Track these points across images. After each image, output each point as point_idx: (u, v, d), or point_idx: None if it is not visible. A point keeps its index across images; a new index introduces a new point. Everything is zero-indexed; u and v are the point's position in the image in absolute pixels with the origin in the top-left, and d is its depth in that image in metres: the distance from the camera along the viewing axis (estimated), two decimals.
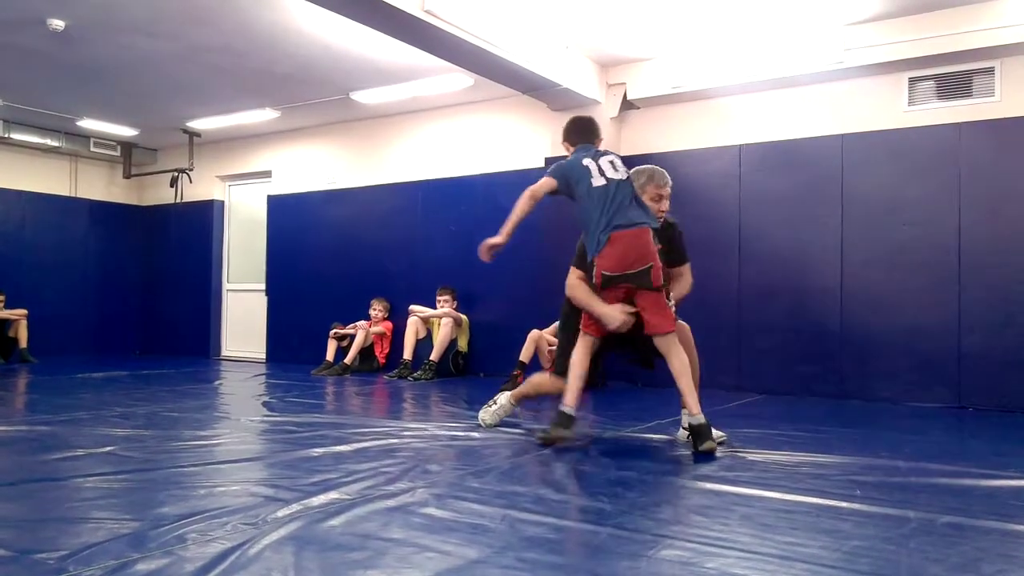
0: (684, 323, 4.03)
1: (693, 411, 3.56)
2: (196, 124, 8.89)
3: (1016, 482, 3.05)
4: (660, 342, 3.66)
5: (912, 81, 5.85)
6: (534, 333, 6.37)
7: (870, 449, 3.75)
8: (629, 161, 6.87)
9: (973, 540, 2.28)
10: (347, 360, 7.66)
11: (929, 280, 5.70)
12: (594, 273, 3.68)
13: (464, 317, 7.40)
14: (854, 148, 6.01)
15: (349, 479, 2.96)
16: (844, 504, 2.67)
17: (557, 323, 6.61)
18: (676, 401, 5.70)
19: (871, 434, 4.30)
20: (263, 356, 9.30)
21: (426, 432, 4.13)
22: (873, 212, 5.92)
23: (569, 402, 3.70)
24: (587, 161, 3.79)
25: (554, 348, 6.46)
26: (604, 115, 6.78)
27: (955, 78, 5.71)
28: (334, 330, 7.91)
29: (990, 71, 5.58)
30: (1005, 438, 4.30)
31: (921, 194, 5.75)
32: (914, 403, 5.63)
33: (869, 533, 2.34)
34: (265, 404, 5.40)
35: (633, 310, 3.66)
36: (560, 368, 3.92)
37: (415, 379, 7.01)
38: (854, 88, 6.05)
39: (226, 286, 10.06)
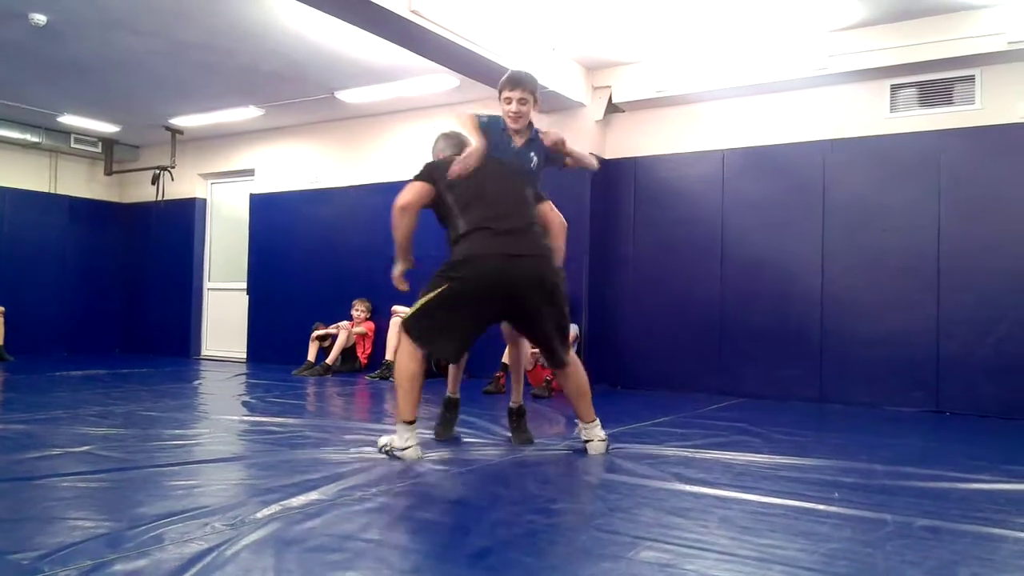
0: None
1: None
2: (179, 121, 8.82)
3: (991, 486, 3.09)
4: None
5: (894, 88, 5.91)
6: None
7: (849, 452, 3.78)
8: (616, 164, 7.01)
9: (949, 543, 2.31)
10: (328, 360, 7.62)
11: (909, 286, 5.75)
12: None
13: None
14: (836, 154, 6.06)
15: (329, 480, 2.94)
16: (822, 507, 2.69)
17: None
18: (656, 403, 5.74)
19: (850, 438, 4.33)
20: (244, 356, 9.24)
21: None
22: (854, 218, 5.96)
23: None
24: None
25: (536, 352, 6.48)
26: (589, 118, 6.81)
27: (936, 85, 5.77)
28: (316, 330, 7.88)
29: (971, 79, 5.64)
30: (981, 442, 4.35)
31: (902, 200, 5.80)
32: (893, 407, 5.68)
33: (847, 536, 2.36)
34: (245, 404, 5.37)
35: None
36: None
37: None
38: (837, 94, 6.10)
39: (207, 285, 9.98)
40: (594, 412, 3.66)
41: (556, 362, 3.61)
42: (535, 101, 3.78)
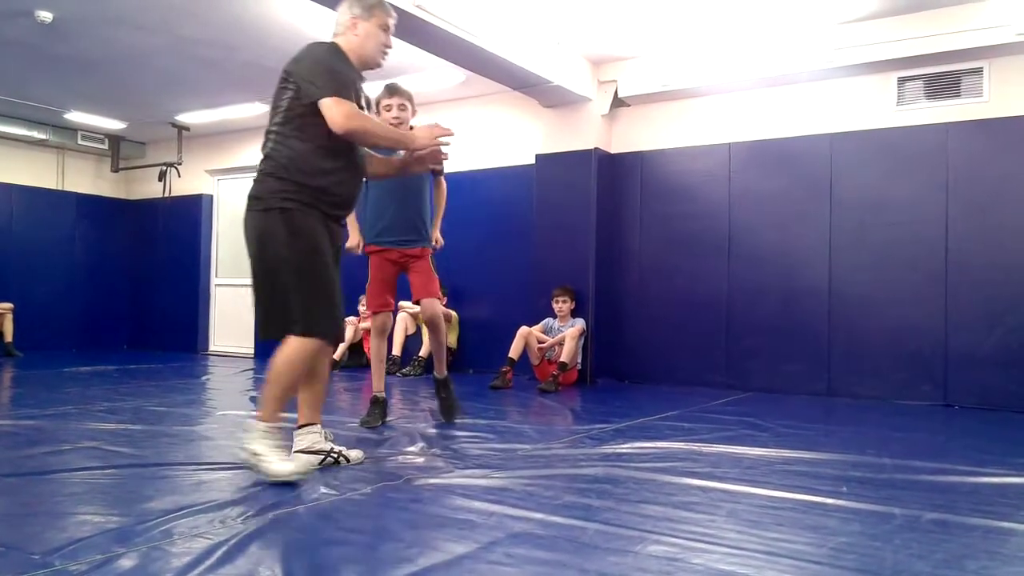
0: None
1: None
2: (185, 118, 8.84)
3: (1000, 479, 3.08)
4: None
5: (901, 81, 5.87)
6: (523, 330, 6.37)
7: (857, 446, 3.78)
8: (622, 158, 7.00)
9: (957, 536, 2.30)
10: (336, 356, 7.62)
11: (916, 279, 5.73)
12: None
13: (453, 313, 7.39)
14: (843, 147, 6.03)
15: (337, 474, 2.95)
16: (830, 500, 2.69)
17: (546, 320, 6.64)
18: (663, 398, 5.72)
19: (858, 432, 4.32)
20: (251, 351, 9.26)
21: (414, 428, 4.13)
22: (861, 211, 5.94)
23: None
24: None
25: (543, 345, 6.50)
26: (595, 112, 6.79)
27: (944, 78, 5.73)
28: None
29: (978, 71, 5.61)
30: (990, 436, 4.33)
31: (909, 193, 5.78)
32: (901, 401, 5.66)
33: (855, 529, 2.36)
34: (253, 399, 5.38)
35: None
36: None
37: (404, 375, 7.00)
38: (843, 87, 6.07)
39: (214, 281, 10.01)
40: (307, 418, 3.03)
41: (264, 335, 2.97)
42: (413, 108, 4.08)
